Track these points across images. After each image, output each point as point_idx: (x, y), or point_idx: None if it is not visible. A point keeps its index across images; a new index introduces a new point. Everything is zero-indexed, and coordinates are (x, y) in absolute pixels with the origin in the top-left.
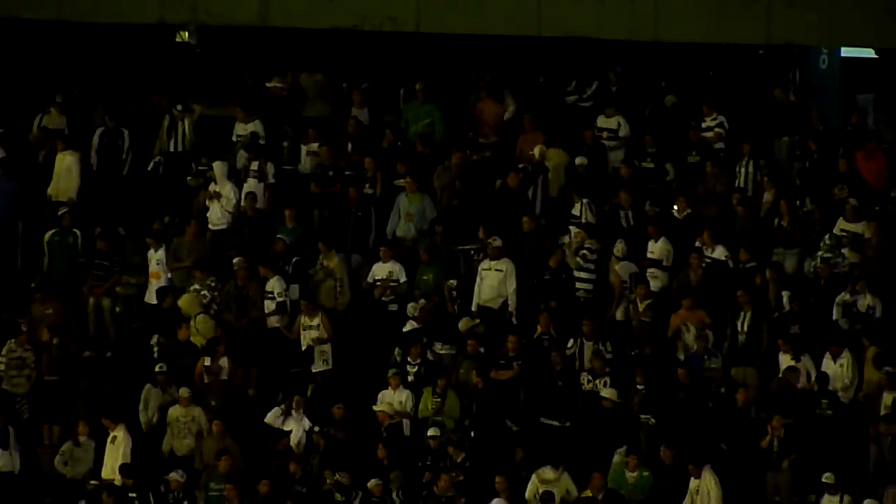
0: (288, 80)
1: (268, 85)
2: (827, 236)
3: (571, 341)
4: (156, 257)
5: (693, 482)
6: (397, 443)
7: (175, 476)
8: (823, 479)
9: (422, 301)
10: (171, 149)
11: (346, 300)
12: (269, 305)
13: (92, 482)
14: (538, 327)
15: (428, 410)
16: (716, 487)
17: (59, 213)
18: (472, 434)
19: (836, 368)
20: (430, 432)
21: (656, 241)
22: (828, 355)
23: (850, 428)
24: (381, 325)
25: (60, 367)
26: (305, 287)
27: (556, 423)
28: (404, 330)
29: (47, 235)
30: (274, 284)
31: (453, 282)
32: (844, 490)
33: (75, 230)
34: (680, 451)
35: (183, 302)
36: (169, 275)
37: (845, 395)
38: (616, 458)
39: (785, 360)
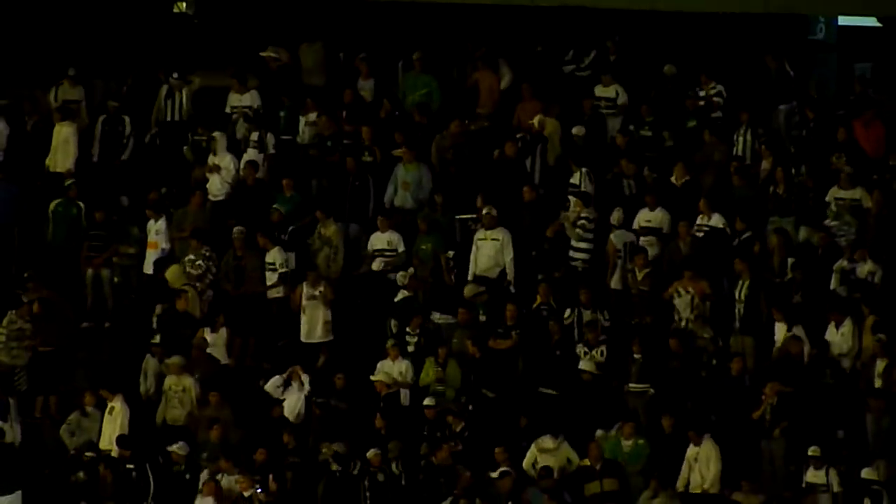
0: (282, 50)
1: (262, 54)
2: (832, 204)
3: (569, 311)
4: (155, 227)
5: (691, 450)
6: (395, 413)
7: (176, 448)
8: (809, 453)
9: (410, 269)
10: (169, 118)
11: (338, 267)
12: (271, 277)
13: (87, 454)
14: (537, 297)
15: (430, 378)
16: (716, 455)
17: (66, 183)
18: (470, 404)
19: (838, 336)
20: (427, 402)
21: (652, 210)
22: (831, 323)
23: (850, 397)
24: (379, 295)
25: (56, 338)
26: (303, 256)
27: (553, 393)
28: (395, 300)
29: (52, 205)
30: (275, 255)
31: (451, 252)
32: (832, 463)
33: (79, 202)
34: (679, 420)
35: (169, 274)
36: (165, 245)
37: (846, 363)
38: (612, 432)
39: (780, 330)
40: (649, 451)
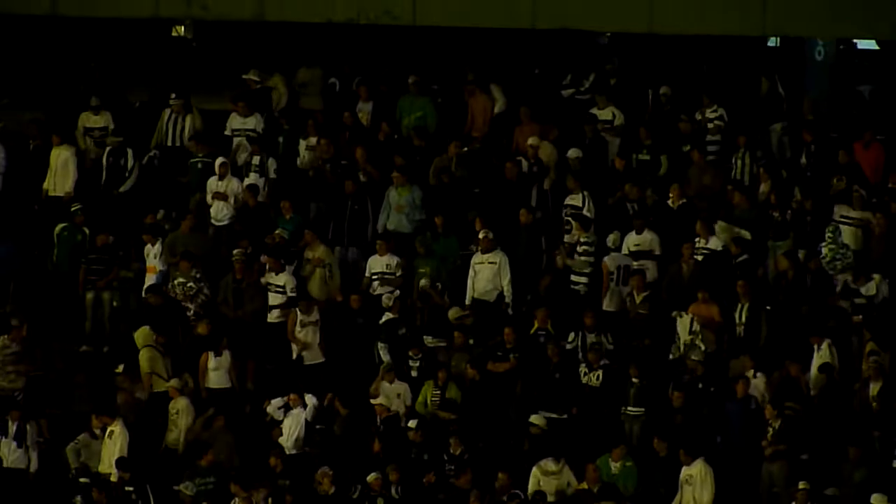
0: (265, 75)
1: (244, 77)
2: (829, 228)
3: (572, 335)
4: (153, 251)
5: (684, 471)
6: (394, 436)
7: (184, 488)
8: (799, 487)
9: (396, 292)
10: (169, 143)
11: (336, 286)
12: (277, 299)
13: (82, 479)
14: (535, 322)
15: (427, 404)
16: (708, 475)
17: (72, 209)
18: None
19: (816, 359)
20: (410, 424)
21: (639, 233)
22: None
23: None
24: (376, 319)
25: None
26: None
27: (554, 416)
28: (380, 321)
29: (57, 229)
30: (287, 279)
31: (438, 284)
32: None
33: (85, 228)
34: (673, 444)
35: (138, 335)
36: (162, 268)
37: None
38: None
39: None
40: (638, 472)
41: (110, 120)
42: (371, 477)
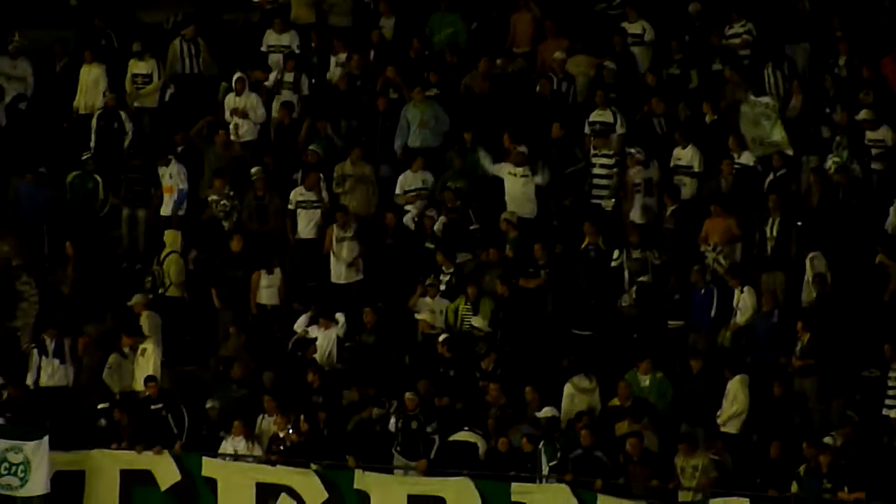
0: None
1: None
2: (839, 138)
3: (617, 252)
4: (168, 172)
5: (728, 385)
6: (432, 352)
7: (213, 404)
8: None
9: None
10: (187, 70)
11: (375, 202)
12: (311, 215)
13: (101, 405)
14: (586, 238)
15: (458, 319)
16: (743, 395)
17: (83, 157)
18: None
19: (740, 303)
20: (442, 338)
21: (683, 148)
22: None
23: None
24: (410, 235)
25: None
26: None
27: (587, 333)
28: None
29: (70, 177)
30: (325, 195)
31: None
32: None
33: (96, 175)
34: (709, 360)
35: (167, 237)
36: (182, 186)
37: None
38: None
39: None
40: (671, 385)
41: (155, 67)
42: (408, 395)
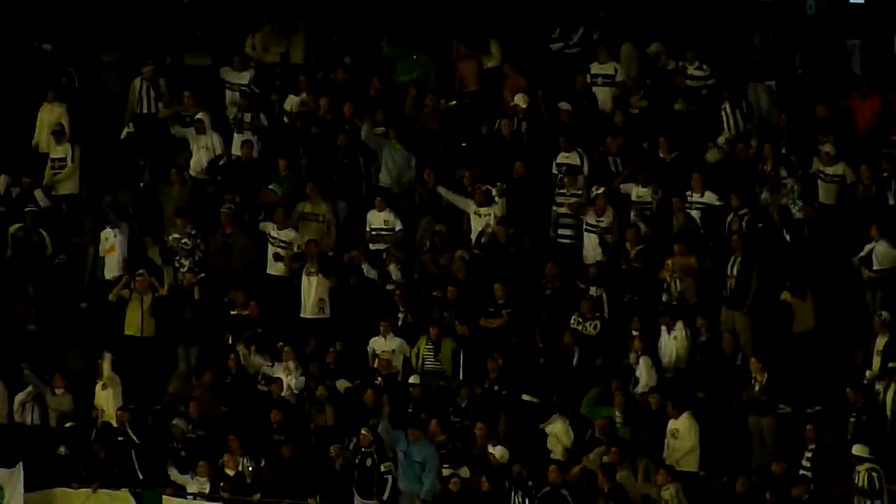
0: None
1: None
2: (791, 180)
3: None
4: (110, 233)
5: (671, 424)
6: (393, 391)
7: (179, 423)
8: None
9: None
10: (145, 111)
11: (332, 241)
12: (281, 252)
13: (67, 424)
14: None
15: (420, 359)
16: (692, 428)
17: (26, 209)
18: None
19: (670, 341)
20: (412, 380)
21: (644, 186)
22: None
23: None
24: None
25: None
26: None
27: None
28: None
29: (12, 229)
30: (294, 236)
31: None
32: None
33: (41, 230)
34: (666, 398)
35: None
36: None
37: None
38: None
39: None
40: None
41: (69, 150)
42: (363, 432)
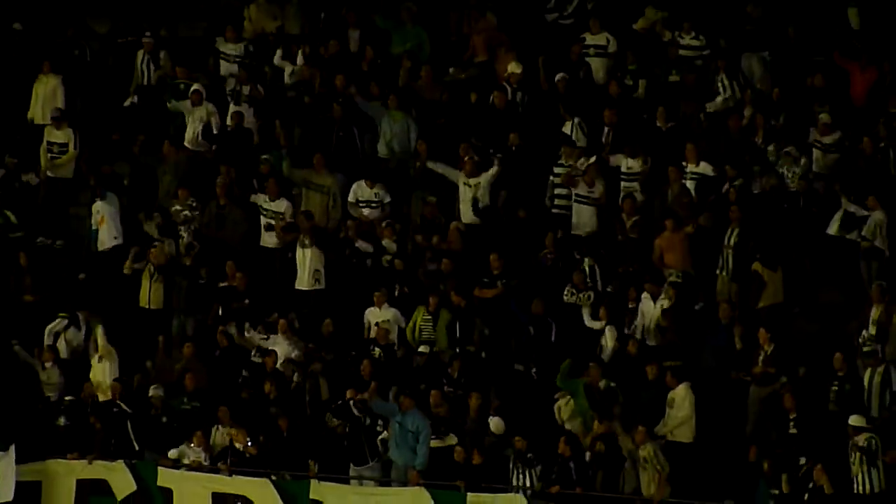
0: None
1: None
2: (776, 149)
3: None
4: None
5: (670, 394)
6: (389, 361)
7: (156, 392)
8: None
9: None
10: (147, 83)
11: (339, 213)
12: (272, 223)
13: (67, 398)
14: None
15: (417, 329)
16: (687, 397)
17: None
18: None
19: (654, 309)
20: (421, 349)
21: (633, 158)
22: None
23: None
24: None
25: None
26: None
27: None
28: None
29: None
30: (286, 206)
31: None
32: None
33: (6, 212)
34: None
35: None
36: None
37: None
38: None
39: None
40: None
41: (71, 136)
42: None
